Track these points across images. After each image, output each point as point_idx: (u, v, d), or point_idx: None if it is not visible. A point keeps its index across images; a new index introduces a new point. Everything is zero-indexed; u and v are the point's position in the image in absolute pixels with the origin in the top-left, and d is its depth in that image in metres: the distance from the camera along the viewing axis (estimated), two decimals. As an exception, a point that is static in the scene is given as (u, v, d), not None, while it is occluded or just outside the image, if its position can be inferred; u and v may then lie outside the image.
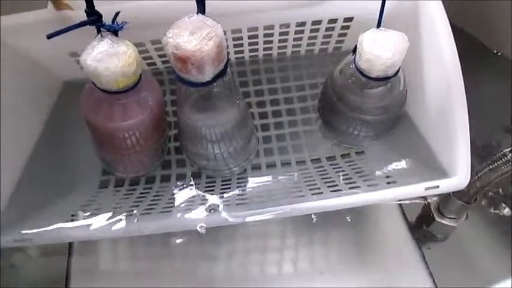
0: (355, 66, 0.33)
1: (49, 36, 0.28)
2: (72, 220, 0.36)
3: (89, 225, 0.34)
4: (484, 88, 0.50)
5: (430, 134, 0.39)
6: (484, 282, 0.41)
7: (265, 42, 0.45)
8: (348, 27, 0.43)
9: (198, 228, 0.34)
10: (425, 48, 0.37)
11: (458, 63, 0.34)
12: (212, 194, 0.38)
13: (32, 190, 0.37)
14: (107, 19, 0.29)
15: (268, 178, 0.41)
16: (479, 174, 0.37)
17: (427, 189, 0.35)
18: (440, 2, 0.36)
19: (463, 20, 0.42)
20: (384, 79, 0.32)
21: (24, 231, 0.33)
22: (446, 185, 0.35)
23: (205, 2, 0.26)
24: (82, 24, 0.29)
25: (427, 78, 0.38)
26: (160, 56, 0.44)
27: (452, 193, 0.41)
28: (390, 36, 0.31)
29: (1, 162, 0.35)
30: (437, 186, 0.35)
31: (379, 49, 0.30)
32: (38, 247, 0.42)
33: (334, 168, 0.42)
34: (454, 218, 0.43)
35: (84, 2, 0.28)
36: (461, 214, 0.43)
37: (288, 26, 0.42)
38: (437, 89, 0.37)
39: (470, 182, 0.35)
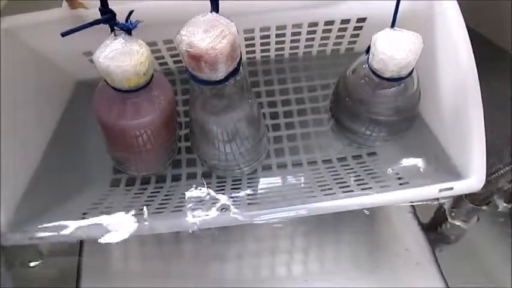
0: (369, 66, 0.33)
1: (63, 34, 0.28)
2: (84, 218, 0.36)
3: (101, 223, 0.35)
4: (498, 89, 0.49)
5: (444, 135, 0.38)
6: (497, 284, 0.40)
7: (277, 43, 0.45)
8: (360, 27, 0.43)
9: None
10: (439, 48, 0.37)
11: (474, 63, 0.34)
12: (223, 194, 0.37)
13: (44, 188, 0.38)
14: (120, 18, 0.29)
15: (279, 178, 0.41)
16: (493, 176, 0.36)
17: (441, 190, 0.34)
18: (456, 2, 0.35)
19: (476, 21, 0.41)
20: (398, 79, 0.32)
21: (36, 229, 0.34)
22: (461, 186, 0.34)
23: (219, 1, 0.26)
24: (96, 22, 0.29)
25: (441, 78, 0.37)
26: (172, 56, 0.44)
27: (465, 195, 0.41)
28: (404, 37, 0.30)
29: (15, 160, 0.35)
30: (452, 188, 0.34)
31: (393, 49, 0.30)
32: (49, 245, 0.43)
33: (345, 169, 0.42)
34: (465, 221, 0.42)
35: (98, 0, 0.28)
36: (473, 216, 0.42)
37: (300, 26, 0.42)
38: (452, 89, 0.36)
39: (484, 183, 0.34)
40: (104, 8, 0.28)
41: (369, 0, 0.39)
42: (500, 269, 0.42)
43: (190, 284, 0.41)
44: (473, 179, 0.34)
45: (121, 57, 0.28)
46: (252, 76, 0.49)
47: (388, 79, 0.32)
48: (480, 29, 0.51)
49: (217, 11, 0.26)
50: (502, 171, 0.35)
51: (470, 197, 0.40)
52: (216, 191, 0.39)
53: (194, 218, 0.34)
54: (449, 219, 0.43)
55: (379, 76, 0.32)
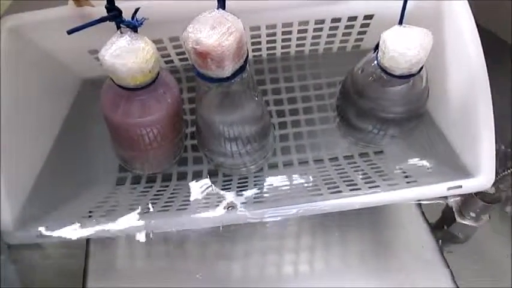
0: (378, 64, 0.33)
1: (69, 32, 0.28)
2: (90, 217, 0.36)
3: (107, 222, 0.34)
4: (505, 85, 0.49)
5: (453, 133, 0.38)
6: (505, 283, 0.40)
7: (283, 40, 0.45)
8: (367, 24, 0.43)
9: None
10: (448, 45, 0.36)
11: (484, 60, 0.33)
12: (229, 192, 0.37)
13: (50, 187, 0.38)
14: (126, 15, 0.29)
15: (286, 177, 0.41)
16: (503, 174, 0.36)
17: (449, 189, 0.34)
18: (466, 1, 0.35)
19: (486, 18, 0.41)
20: (408, 77, 0.32)
21: (42, 228, 0.34)
22: (470, 185, 0.34)
23: (225, -2, 0.26)
24: (102, 20, 0.29)
25: (450, 76, 0.37)
26: (178, 54, 0.44)
27: (475, 193, 0.40)
28: (414, 33, 0.30)
29: (21, 159, 0.35)
30: (460, 186, 0.34)
31: (404, 46, 0.30)
32: (56, 244, 0.43)
33: (352, 168, 0.41)
34: (475, 219, 0.42)
35: (104, -2, 0.28)
36: (483, 214, 0.42)
37: (306, 23, 0.42)
38: (460, 87, 0.36)
39: (495, 181, 0.34)
40: (110, 5, 0.28)
41: (376, -2, 0.39)
42: (510, 268, 0.41)
43: (196, 283, 0.41)
44: (483, 178, 0.34)
45: (127, 55, 0.28)
46: (258, 74, 0.49)
47: (398, 76, 0.32)
48: (490, 26, 0.50)
49: (223, 7, 0.26)
50: (511, 169, 0.35)
51: (480, 195, 0.40)
52: (222, 189, 0.39)
53: (200, 216, 0.34)
54: (458, 219, 0.42)
55: (389, 74, 0.32)
